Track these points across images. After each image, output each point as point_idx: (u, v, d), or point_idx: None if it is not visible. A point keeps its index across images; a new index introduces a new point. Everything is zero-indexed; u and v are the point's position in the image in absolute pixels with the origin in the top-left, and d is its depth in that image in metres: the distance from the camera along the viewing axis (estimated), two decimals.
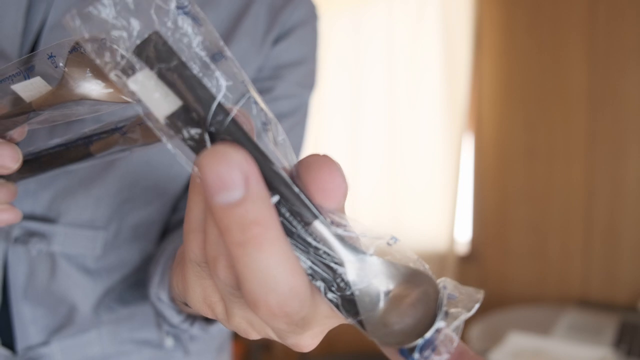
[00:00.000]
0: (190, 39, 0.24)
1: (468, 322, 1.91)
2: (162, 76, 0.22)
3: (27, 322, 0.53)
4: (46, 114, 0.30)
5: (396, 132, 2.29)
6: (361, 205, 2.34)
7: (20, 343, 0.53)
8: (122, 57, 0.22)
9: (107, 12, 0.22)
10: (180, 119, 0.22)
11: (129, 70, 0.22)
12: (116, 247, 0.55)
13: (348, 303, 0.23)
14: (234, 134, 0.22)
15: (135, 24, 0.22)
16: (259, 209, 0.19)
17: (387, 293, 0.24)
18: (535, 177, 2.14)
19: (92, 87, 0.28)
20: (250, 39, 0.56)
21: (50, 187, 0.50)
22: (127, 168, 0.52)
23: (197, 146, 0.22)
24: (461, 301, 0.24)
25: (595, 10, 2.01)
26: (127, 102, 0.29)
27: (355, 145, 2.37)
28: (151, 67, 0.22)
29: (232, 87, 0.24)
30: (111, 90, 0.29)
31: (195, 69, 0.23)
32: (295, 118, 0.59)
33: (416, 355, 0.22)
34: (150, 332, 0.60)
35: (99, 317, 0.56)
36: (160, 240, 0.59)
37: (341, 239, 0.23)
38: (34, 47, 0.46)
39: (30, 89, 0.30)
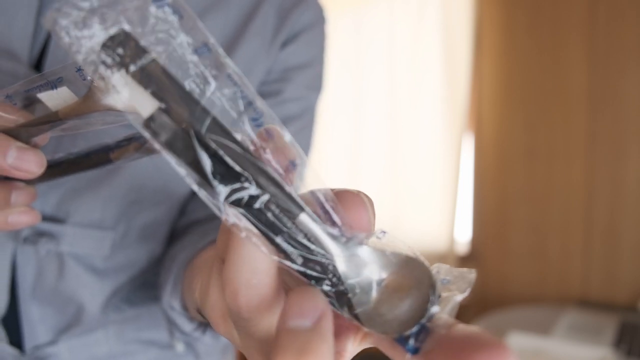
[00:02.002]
0: (172, 34, 0.23)
1: (468, 322, 1.91)
2: (137, 77, 0.21)
3: (35, 322, 0.53)
4: (70, 122, 0.31)
5: (397, 132, 2.30)
6: None
7: (28, 342, 0.53)
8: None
9: (81, 10, 0.22)
10: (160, 121, 0.22)
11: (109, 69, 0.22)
12: (124, 248, 0.55)
13: (343, 297, 0.24)
14: (217, 132, 0.22)
15: (110, 22, 0.22)
16: (320, 342, 0.21)
17: (379, 282, 0.24)
18: (535, 177, 2.15)
19: (118, 99, 0.29)
20: (259, 40, 0.56)
21: (59, 187, 0.50)
22: (136, 169, 0.52)
23: (183, 149, 0.22)
24: (454, 283, 0.24)
25: (595, 10, 2.01)
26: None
27: (356, 145, 2.38)
28: (124, 67, 0.21)
29: (220, 80, 0.24)
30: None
31: (181, 70, 0.23)
32: (302, 121, 0.60)
33: (411, 342, 0.22)
34: (157, 333, 0.60)
35: (107, 317, 0.57)
36: (167, 241, 0.59)
37: (330, 233, 0.23)
38: (44, 48, 0.47)
39: (56, 97, 0.30)
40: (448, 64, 2.21)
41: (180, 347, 0.55)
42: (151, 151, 0.35)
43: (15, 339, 0.53)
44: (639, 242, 1.99)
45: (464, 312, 2.01)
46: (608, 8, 1.99)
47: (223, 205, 0.22)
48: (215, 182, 0.22)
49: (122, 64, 0.21)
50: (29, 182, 0.36)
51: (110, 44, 0.21)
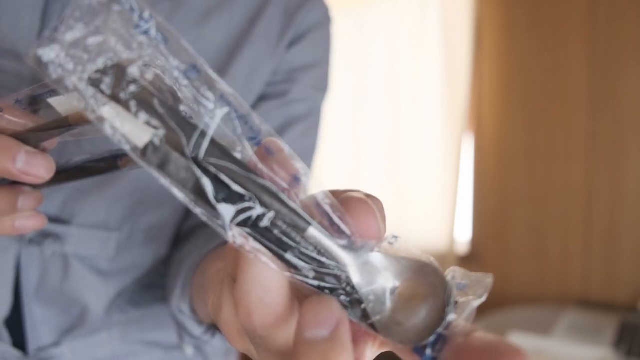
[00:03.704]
0: (159, 59, 0.23)
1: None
2: (127, 106, 0.21)
3: (39, 323, 0.53)
4: (80, 128, 0.31)
5: (397, 131, 2.30)
6: None
7: (32, 344, 0.53)
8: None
9: (63, 43, 0.21)
10: (155, 149, 0.21)
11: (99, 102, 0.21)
12: (129, 249, 0.55)
13: (358, 306, 0.23)
14: (217, 155, 0.22)
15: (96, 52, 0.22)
16: (339, 350, 0.21)
17: (393, 290, 0.24)
18: (535, 177, 2.15)
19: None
20: (264, 42, 0.56)
21: (64, 188, 0.50)
22: (140, 170, 0.52)
23: (183, 174, 0.22)
24: (471, 288, 0.24)
25: (595, 10, 2.01)
26: None
27: (356, 145, 2.38)
28: (113, 98, 0.21)
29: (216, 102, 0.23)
30: None
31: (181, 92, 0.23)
32: (309, 121, 0.60)
33: (428, 351, 0.22)
34: (161, 334, 0.60)
35: (111, 319, 0.56)
36: (172, 243, 0.59)
37: (340, 244, 0.23)
38: None
39: (65, 103, 0.30)
40: (448, 64, 2.21)
41: (189, 350, 0.55)
42: None
43: (19, 341, 0.53)
44: (639, 242, 1.99)
45: None
46: (608, 8, 1.99)
47: (229, 226, 0.22)
48: (218, 205, 0.22)
49: (112, 96, 0.21)
50: (36, 186, 0.36)
51: (97, 76, 0.21)
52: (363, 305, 0.23)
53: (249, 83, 0.55)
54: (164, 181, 0.22)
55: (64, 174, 0.37)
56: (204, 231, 0.52)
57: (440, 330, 0.22)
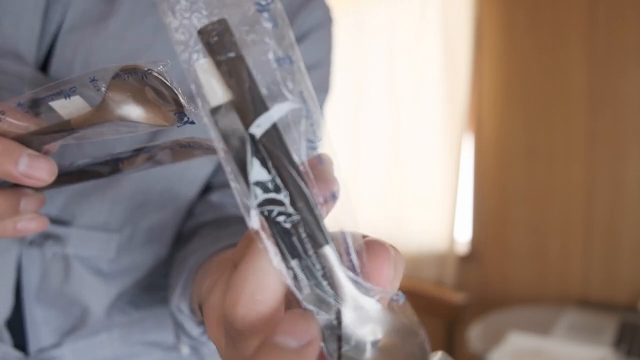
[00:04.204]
0: (264, 40, 0.24)
1: (468, 322, 1.92)
2: (220, 67, 0.22)
3: (40, 324, 0.53)
4: (82, 131, 0.31)
5: (397, 131, 2.30)
6: (362, 205, 2.34)
7: (33, 345, 0.53)
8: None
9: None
10: (225, 113, 0.22)
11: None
12: (130, 250, 0.55)
13: (334, 343, 0.23)
14: (274, 142, 0.22)
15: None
16: None
17: (375, 343, 0.23)
18: (535, 177, 2.15)
19: (132, 110, 0.29)
20: None
21: (65, 189, 0.50)
22: (142, 172, 0.52)
23: (236, 146, 0.22)
24: None
25: (595, 10, 2.01)
26: (165, 126, 0.30)
27: (356, 145, 2.38)
28: (212, 54, 0.22)
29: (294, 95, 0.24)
30: (151, 114, 0.29)
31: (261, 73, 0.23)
32: None
33: None
34: (161, 335, 0.60)
35: (111, 320, 0.56)
36: (173, 244, 0.58)
37: (348, 275, 0.23)
38: (50, 50, 0.46)
39: (68, 106, 0.30)
40: (448, 64, 2.21)
41: (185, 350, 0.55)
42: (159, 162, 0.35)
43: (20, 342, 0.53)
44: (639, 242, 1.99)
45: (464, 312, 2.01)
46: (608, 8, 1.99)
47: (254, 210, 0.22)
48: (254, 187, 0.22)
49: (212, 51, 0.22)
50: (37, 188, 0.35)
51: (208, 29, 0.22)
52: (342, 346, 0.23)
53: None
54: (216, 145, 0.23)
55: (65, 177, 0.37)
56: (210, 232, 0.52)
57: None
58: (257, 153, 0.22)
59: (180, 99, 0.28)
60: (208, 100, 0.22)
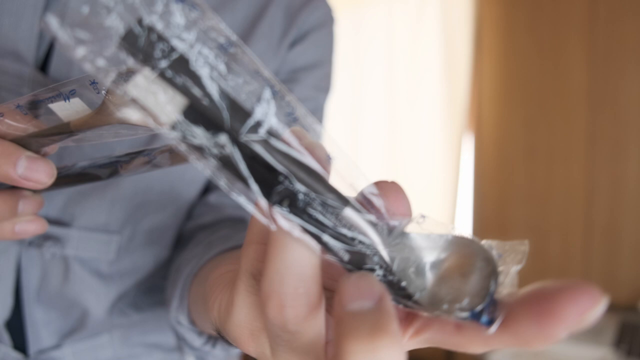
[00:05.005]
0: (187, 30, 0.21)
1: None
2: (165, 75, 0.19)
3: (40, 326, 0.53)
4: (81, 134, 0.30)
5: (396, 132, 2.30)
6: None
7: (33, 346, 0.53)
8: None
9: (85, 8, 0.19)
10: (190, 122, 0.20)
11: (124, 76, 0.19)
12: (130, 252, 0.55)
13: (395, 287, 0.23)
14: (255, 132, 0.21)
15: (116, 18, 0.19)
16: (389, 320, 0.20)
17: (432, 265, 0.23)
18: (535, 177, 2.15)
19: (132, 113, 0.29)
20: (266, 42, 0.55)
21: (65, 190, 0.50)
22: (142, 173, 0.51)
23: (216, 151, 0.20)
24: (508, 256, 0.24)
25: (595, 11, 2.01)
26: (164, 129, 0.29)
27: (355, 145, 2.37)
28: (147, 64, 0.19)
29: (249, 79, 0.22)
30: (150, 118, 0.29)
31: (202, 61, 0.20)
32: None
33: (485, 316, 0.21)
34: (162, 336, 0.60)
35: (112, 321, 0.56)
36: (174, 246, 0.58)
37: (374, 224, 0.23)
38: (50, 50, 0.46)
39: (67, 108, 0.30)
40: (448, 64, 2.20)
41: (190, 359, 0.55)
42: (158, 165, 0.35)
43: (20, 343, 0.53)
44: (639, 242, 1.99)
45: None
46: (608, 8, 1.99)
47: (267, 209, 0.21)
48: (254, 186, 0.21)
49: (146, 61, 0.19)
50: (36, 190, 0.35)
51: (130, 35, 0.19)
52: (403, 283, 0.23)
53: None
54: (193, 159, 0.20)
55: (64, 179, 0.37)
56: (203, 238, 0.51)
57: (491, 292, 0.22)
58: (242, 150, 0.20)
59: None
60: (162, 120, 0.19)
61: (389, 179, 0.24)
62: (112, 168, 0.36)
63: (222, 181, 0.21)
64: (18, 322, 0.53)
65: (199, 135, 0.20)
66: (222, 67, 0.21)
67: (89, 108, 0.30)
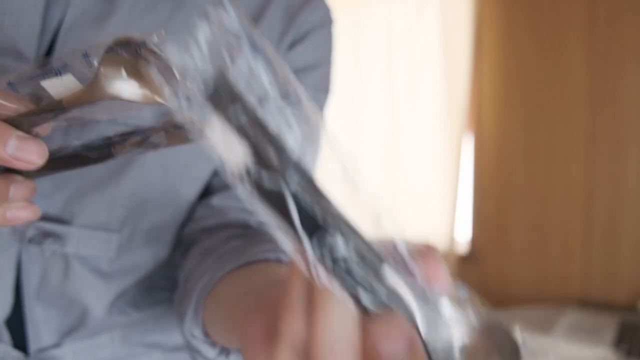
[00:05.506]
0: (263, 83, 0.23)
1: None
2: (237, 123, 0.21)
3: (40, 324, 0.53)
4: (74, 111, 0.30)
5: (396, 132, 2.30)
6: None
7: (33, 345, 0.53)
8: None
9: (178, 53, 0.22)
10: (255, 168, 0.21)
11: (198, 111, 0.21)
12: (130, 250, 0.55)
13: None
14: (308, 188, 0.22)
15: (207, 66, 0.22)
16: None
17: (462, 346, 0.23)
18: (535, 177, 2.15)
19: (124, 87, 0.28)
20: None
21: (65, 188, 0.50)
22: (142, 171, 0.51)
23: (273, 197, 0.21)
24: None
25: (595, 11, 2.01)
26: (159, 104, 0.29)
27: (354, 145, 2.37)
28: (222, 111, 0.21)
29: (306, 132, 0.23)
30: (144, 91, 0.28)
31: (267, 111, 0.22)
32: None
33: None
34: (161, 336, 0.60)
35: (112, 320, 0.56)
36: (174, 244, 0.58)
37: (412, 286, 0.23)
38: (50, 48, 0.46)
39: (60, 85, 0.30)
40: (448, 64, 2.20)
41: None
42: (153, 146, 0.34)
43: (20, 342, 0.53)
44: (639, 242, 1.99)
45: None
46: (608, 8, 1.99)
47: (318, 266, 0.22)
48: (304, 237, 0.22)
49: (220, 108, 0.21)
50: (28, 175, 0.34)
51: (213, 88, 0.21)
52: (429, 353, 0.23)
53: None
54: (252, 203, 0.22)
55: (56, 162, 0.36)
56: (211, 246, 0.52)
57: None
58: (296, 200, 0.22)
59: (175, 71, 0.27)
60: (232, 163, 0.22)
61: (427, 243, 0.24)
62: (106, 150, 0.35)
63: (274, 227, 0.22)
64: (18, 321, 0.53)
65: (258, 179, 0.21)
66: (291, 120, 0.23)
67: (82, 85, 0.29)
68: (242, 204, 0.54)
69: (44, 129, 0.33)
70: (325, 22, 0.60)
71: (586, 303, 2.04)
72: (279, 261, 0.46)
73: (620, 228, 2.02)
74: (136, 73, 0.28)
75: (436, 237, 2.27)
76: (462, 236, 2.33)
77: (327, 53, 0.62)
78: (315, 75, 0.59)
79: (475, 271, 2.29)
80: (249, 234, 0.54)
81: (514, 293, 2.19)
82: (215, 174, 0.57)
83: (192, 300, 0.47)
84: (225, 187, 0.57)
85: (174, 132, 0.33)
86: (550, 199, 2.13)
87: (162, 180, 0.53)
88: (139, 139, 0.34)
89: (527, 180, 2.16)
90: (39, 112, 0.30)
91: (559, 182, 2.11)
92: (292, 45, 0.58)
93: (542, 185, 2.14)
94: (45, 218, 0.50)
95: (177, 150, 0.53)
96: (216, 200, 0.56)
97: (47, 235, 0.50)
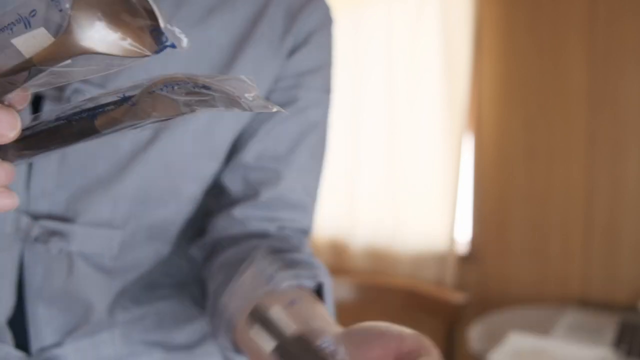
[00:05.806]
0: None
1: (468, 322, 1.92)
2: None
3: (42, 323, 0.53)
4: (48, 73, 0.26)
5: (396, 132, 2.30)
6: (361, 205, 2.34)
7: (34, 344, 0.53)
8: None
9: None
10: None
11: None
12: (133, 247, 0.55)
13: None
14: None
15: None
16: None
17: None
18: (535, 177, 2.15)
19: (101, 38, 0.24)
20: (266, 43, 0.55)
21: (68, 186, 0.50)
22: (145, 168, 0.52)
23: None
24: None
25: (595, 11, 2.01)
26: (143, 56, 0.25)
27: (354, 145, 2.37)
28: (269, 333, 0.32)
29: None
30: (125, 41, 0.24)
31: None
32: (323, 127, 0.60)
33: None
34: (162, 334, 0.60)
35: (114, 317, 0.56)
36: (176, 242, 0.58)
37: None
38: None
39: (32, 42, 0.25)
40: (448, 64, 2.20)
41: None
42: (145, 115, 0.28)
43: (22, 341, 0.53)
44: (639, 242, 1.99)
45: (464, 312, 2.01)
46: (608, 8, 1.99)
47: None
48: None
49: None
50: (5, 157, 0.31)
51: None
52: None
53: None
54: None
55: (35, 139, 0.31)
56: (236, 260, 0.54)
57: None
58: None
59: (155, 10, 0.23)
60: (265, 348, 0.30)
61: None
62: (88, 122, 0.29)
63: None
64: (20, 320, 0.53)
65: None
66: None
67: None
68: (263, 213, 0.56)
69: (22, 97, 0.29)
70: (326, 22, 0.61)
71: (586, 303, 2.04)
72: (300, 287, 0.49)
73: (620, 228, 2.02)
74: (115, 18, 0.24)
75: (436, 237, 2.27)
76: (462, 236, 2.33)
77: (329, 53, 0.62)
78: (321, 77, 0.60)
79: (475, 271, 2.29)
80: (275, 249, 0.55)
81: (514, 293, 2.19)
82: (224, 174, 0.58)
83: (223, 321, 0.50)
84: (246, 197, 0.58)
85: (162, 97, 0.27)
86: (550, 199, 2.13)
87: (165, 178, 0.53)
88: (124, 106, 0.29)
89: (527, 180, 2.16)
90: (6, 74, 0.26)
91: (559, 182, 2.11)
92: (295, 47, 0.58)
93: (542, 185, 2.14)
94: (48, 217, 0.50)
95: (180, 147, 0.53)
96: (237, 212, 0.57)
97: (52, 234, 0.50)
